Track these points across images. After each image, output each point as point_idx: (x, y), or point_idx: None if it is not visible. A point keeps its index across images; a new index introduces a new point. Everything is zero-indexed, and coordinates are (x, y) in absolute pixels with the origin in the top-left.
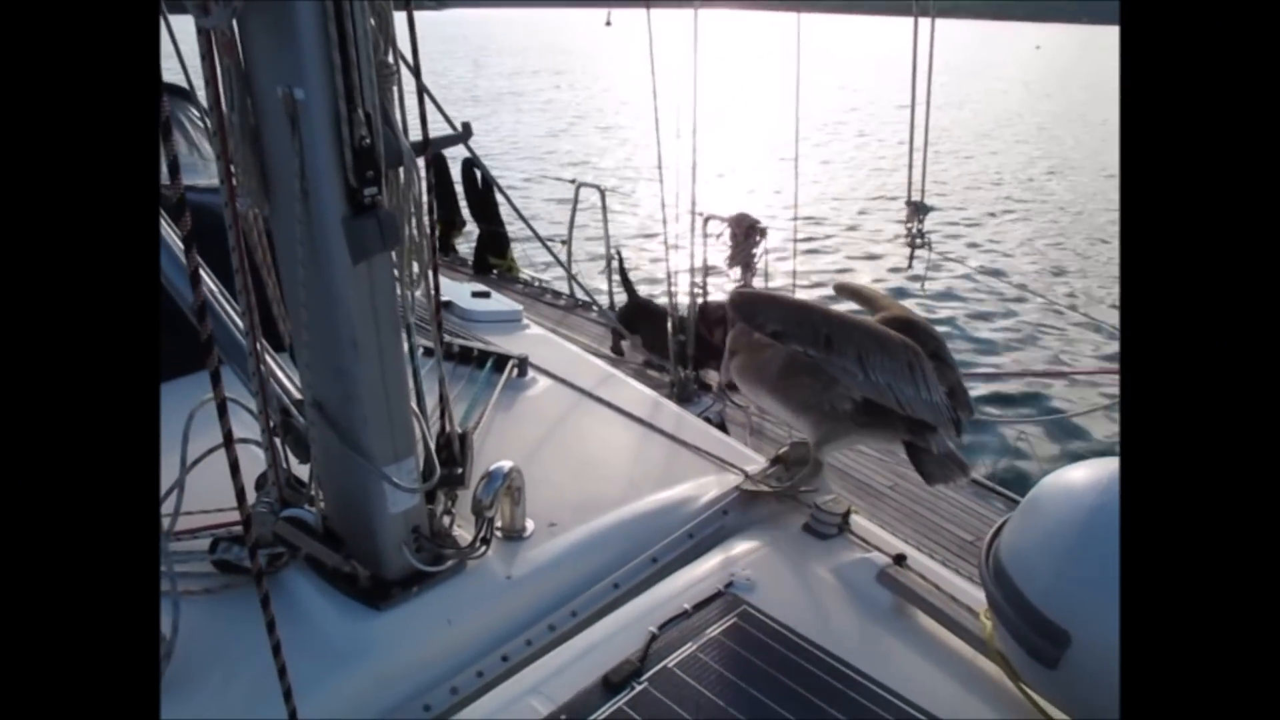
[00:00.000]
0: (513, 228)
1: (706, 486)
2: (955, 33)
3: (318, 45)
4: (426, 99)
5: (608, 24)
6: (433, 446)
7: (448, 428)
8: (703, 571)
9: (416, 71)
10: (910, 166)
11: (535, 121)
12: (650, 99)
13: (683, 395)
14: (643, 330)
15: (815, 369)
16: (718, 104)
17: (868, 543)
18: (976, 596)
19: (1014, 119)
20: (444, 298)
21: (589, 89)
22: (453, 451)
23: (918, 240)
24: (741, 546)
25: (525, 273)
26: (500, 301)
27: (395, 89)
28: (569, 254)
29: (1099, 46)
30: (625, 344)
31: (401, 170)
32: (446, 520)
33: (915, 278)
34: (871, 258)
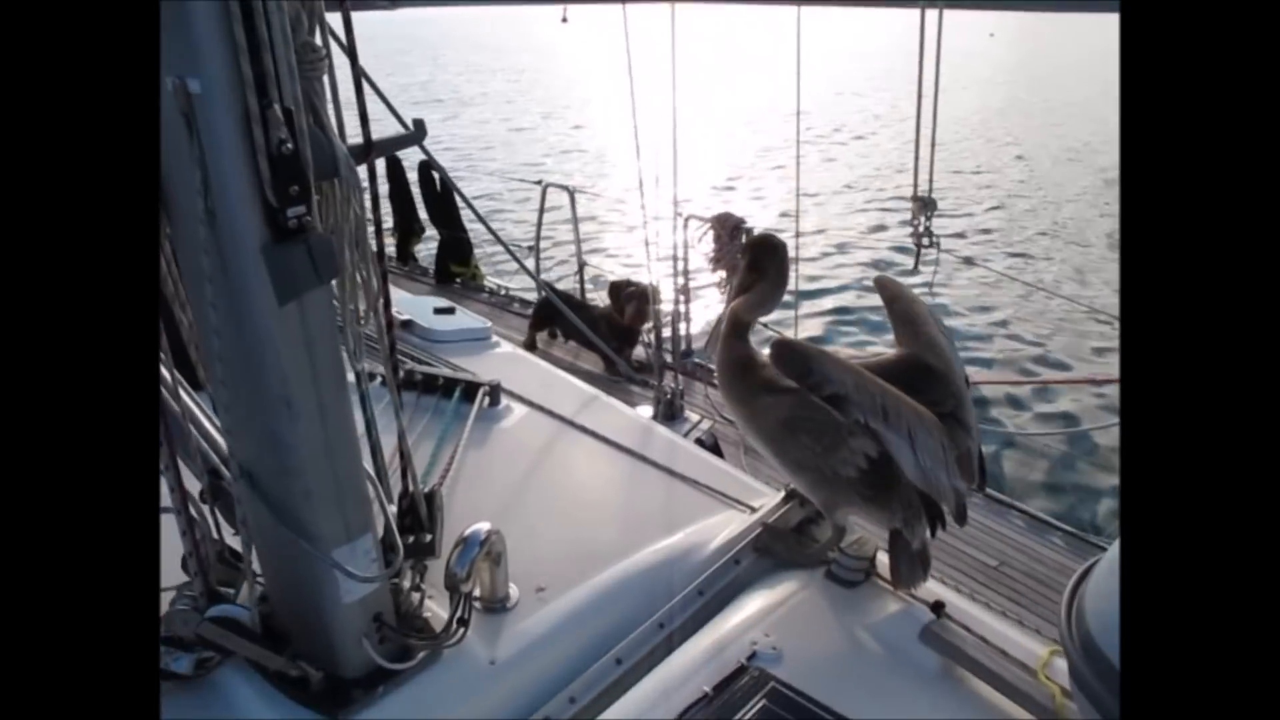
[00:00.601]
0: (476, 233)
1: (713, 530)
2: (915, 19)
3: (214, 22)
4: (371, 92)
5: (564, 20)
6: (394, 515)
7: (411, 487)
8: (720, 638)
9: (352, 54)
10: (916, 159)
11: (498, 120)
12: (621, 96)
13: (669, 412)
14: (560, 321)
15: (819, 430)
16: (697, 101)
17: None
18: (1028, 647)
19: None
20: (404, 316)
21: (549, 86)
22: (418, 515)
23: (925, 239)
24: (759, 602)
25: (490, 280)
26: (466, 318)
27: (327, 79)
28: (537, 260)
29: (1047, 32)
30: (541, 336)
31: (338, 182)
32: (415, 598)
33: (924, 284)
34: (872, 264)
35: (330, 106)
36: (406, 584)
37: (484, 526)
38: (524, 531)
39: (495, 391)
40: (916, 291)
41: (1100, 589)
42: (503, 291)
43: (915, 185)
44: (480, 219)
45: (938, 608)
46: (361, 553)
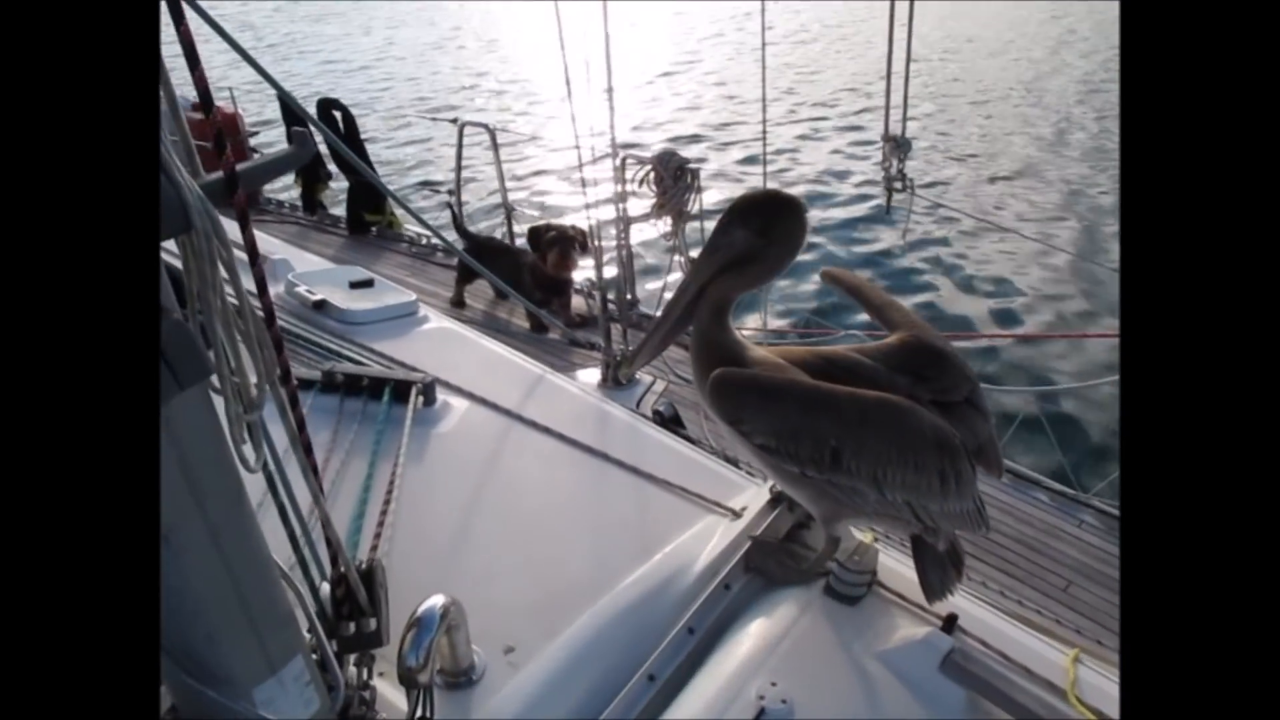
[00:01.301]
0: (389, 175)
1: (695, 547)
2: None
3: None
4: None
5: None
6: (327, 612)
7: (343, 566)
8: (721, 689)
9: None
10: (888, 96)
11: (410, 58)
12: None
13: (618, 378)
14: (489, 269)
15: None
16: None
17: (905, 598)
18: (1050, 659)
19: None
20: (316, 295)
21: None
22: (356, 600)
23: (897, 182)
24: (757, 636)
25: (409, 228)
26: (388, 291)
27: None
28: (458, 203)
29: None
30: (470, 289)
31: (192, 238)
32: (365, 695)
33: (896, 241)
34: (841, 202)
35: (173, 135)
36: (353, 681)
37: (438, 602)
38: (480, 572)
39: (430, 389)
40: (891, 238)
41: None
42: (424, 240)
43: (886, 124)
44: (362, 167)
45: (950, 623)
46: (291, 681)
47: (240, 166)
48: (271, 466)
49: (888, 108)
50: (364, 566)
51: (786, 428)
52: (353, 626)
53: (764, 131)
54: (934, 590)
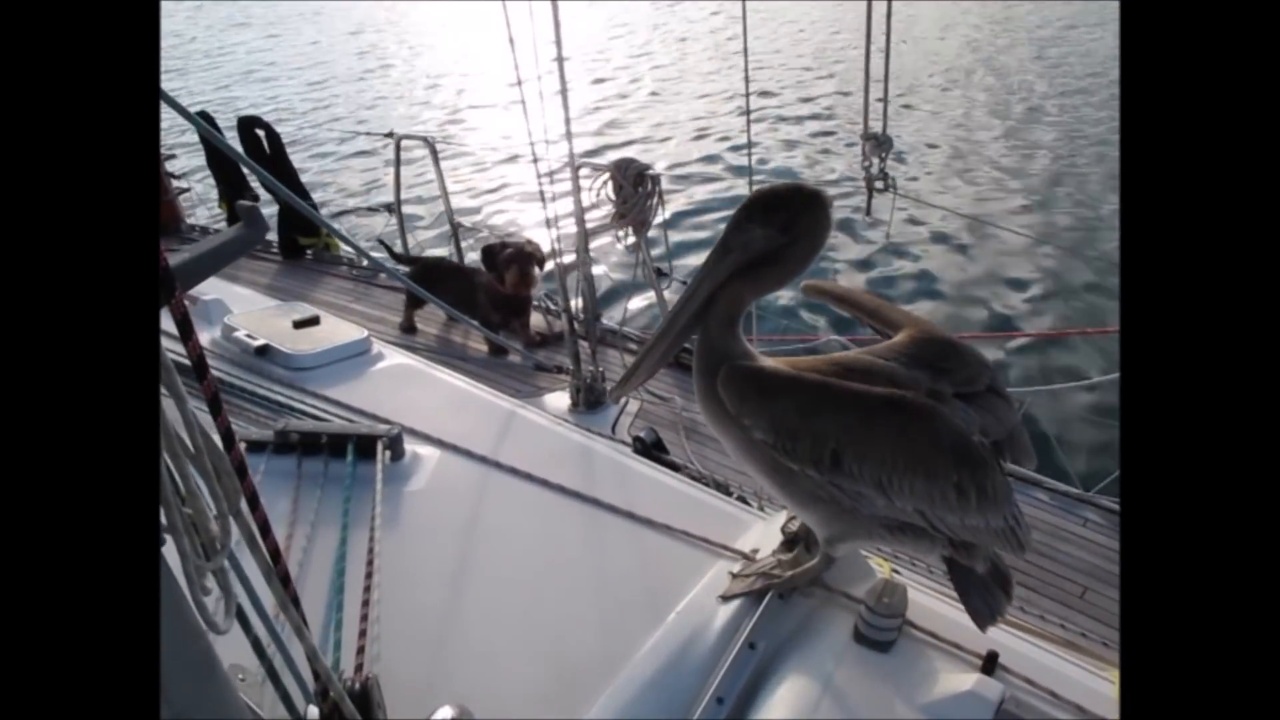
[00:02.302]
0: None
1: (709, 602)
2: None
3: None
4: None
5: None
6: None
7: (334, 694)
8: None
9: None
10: (866, 92)
11: (342, 71)
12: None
13: (591, 398)
14: (439, 293)
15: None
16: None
17: (938, 637)
18: (1099, 691)
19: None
20: (258, 340)
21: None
22: None
23: (878, 182)
24: (791, 699)
25: (345, 250)
26: (336, 328)
27: None
28: (400, 222)
29: None
30: (420, 314)
31: None
32: None
33: (876, 223)
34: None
35: None
36: None
37: (447, 716)
38: (482, 658)
39: (397, 441)
40: (873, 240)
41: None
42: (364, 262)
43: (865, 122)
44: (288, 194)
45: (991, 662)
46: None
47: (175, 260)
48: (246, 605)
49: (866, 105)
50: (356, 686)
51: (786, 425)
52: None
53: (749, 130)
54: (982, 616)
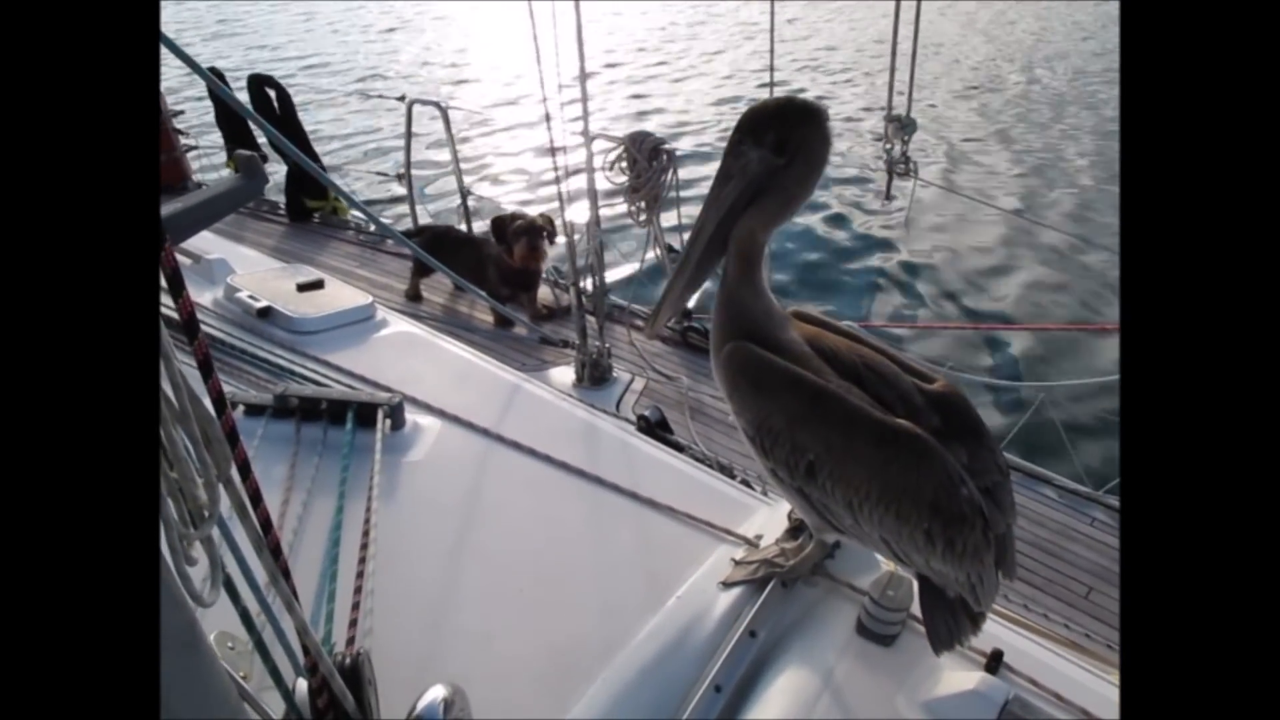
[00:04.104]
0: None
1: (711, 587)
2: None
3: None
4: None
5: None
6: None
7: (324, 671)
8: None
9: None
10: (892, 72)
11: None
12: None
13: (596, 374)
14: (448, 263)
15: None
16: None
17: None
18: (1103, 694)
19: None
20: (260, 302)
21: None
22: (342, 706)
23: (899, 165)
24: (790, 690)
25: (355, 213)
26: (340, 292)
27: None
28: (410, 188)
29: None
30: (426, 281)
31: None
32: None
33: (896, 212)
34: (846, 181)
35: None
36: None
37: (439, 695)
38: (477, 637)
39: (398, 410)
40: (894, 220)
41: None
42: (372, 227)
43: (890, 103)
44: (299, 156)
45: (996, 660)
46: None
47: (166, 210)
48: (236, 575)
49: (891, 85)
50: (347, 661)
51: (769, 426)
52: None
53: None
54: (940, 640)
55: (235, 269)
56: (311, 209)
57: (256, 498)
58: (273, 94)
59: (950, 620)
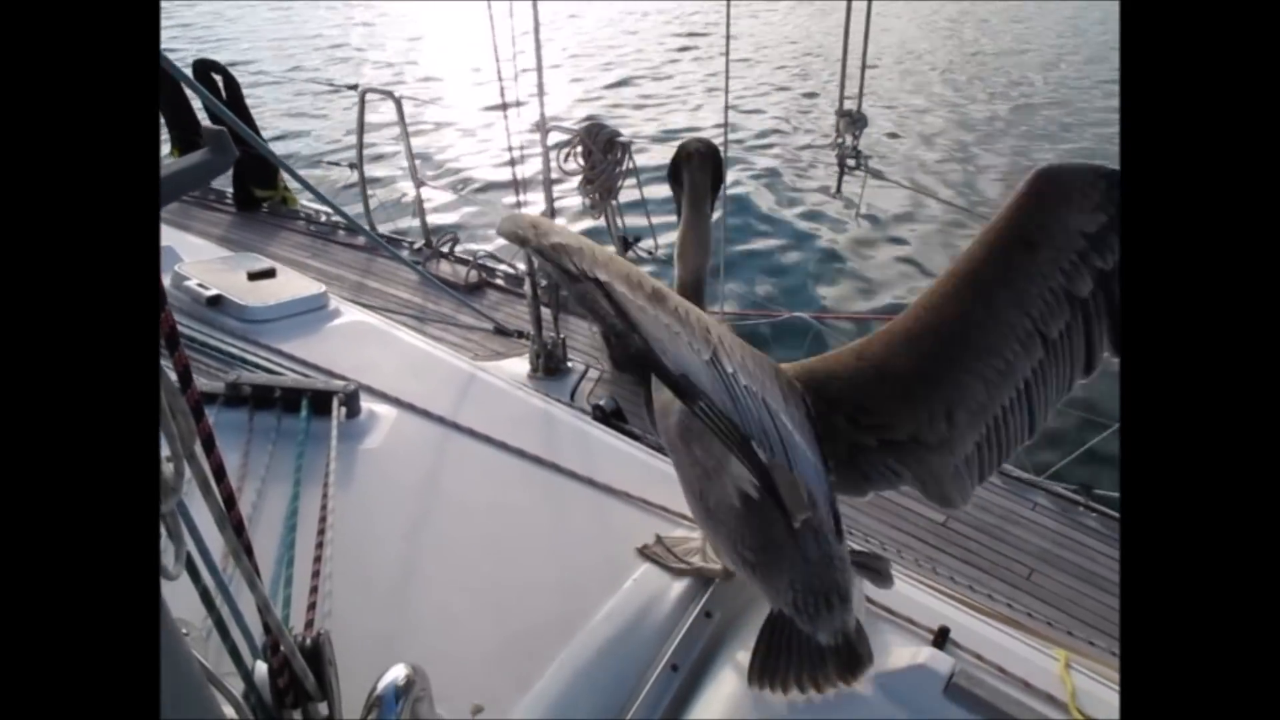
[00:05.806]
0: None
1: (664, 572)
2: None
3: None
4: None
5: None
6: (266, 703)
7: (285, 649)
8: None
9: None
10: (844, 67)
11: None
12: None
13: (550, 364)
14: None
15: (708, 443)
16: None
17: (893, 612)
18: (1045, 668)
19: None
20: (210, 290)
21: None
22: (303, 686)
23: (849, 159)
24: (745, 669)
25: (306, 203)
26: (292, 280)
27: None
28: (362, 179)
29: None
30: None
31: None
32: None
33: (848, 204)
34: (798, 174)
35: None
36: None
37: (399, 674)
38: (436, 619)
39: (354, 398)
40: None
41: None
42: (323, 217)
43: (841, 98)
44: (252, 138)
45: (942, 636)
46: None
47: None
48: (195, 555)
49: (843, 79)
50: (307, 642)
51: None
52: (299, 716)
53: (725, 97)
54: (754, 670)
55: (183, 257)
56: (260, 198)
57: (220, 473)
58: (220, 80)
59: (773, 662)
